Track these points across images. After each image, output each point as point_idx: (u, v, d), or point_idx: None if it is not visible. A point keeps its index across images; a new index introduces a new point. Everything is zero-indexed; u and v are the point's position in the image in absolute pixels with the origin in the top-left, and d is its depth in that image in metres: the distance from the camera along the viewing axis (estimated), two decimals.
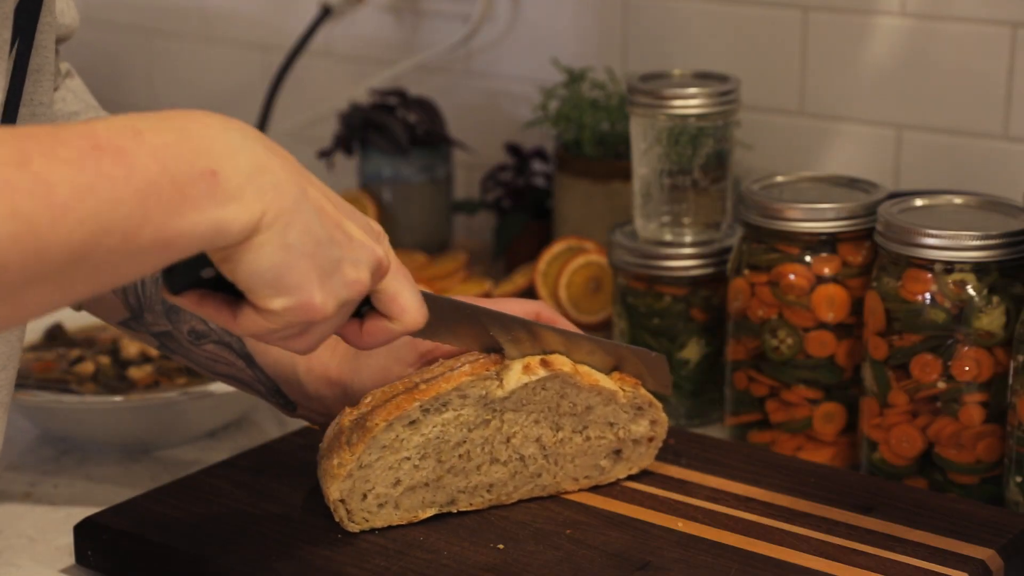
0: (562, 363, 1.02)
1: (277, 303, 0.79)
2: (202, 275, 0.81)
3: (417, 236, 1.63)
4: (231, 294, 0.81)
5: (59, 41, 1.03)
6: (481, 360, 1.00)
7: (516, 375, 1.01)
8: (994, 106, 1.35)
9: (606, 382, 1.05)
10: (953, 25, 1.36)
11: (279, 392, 1.07)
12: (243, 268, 0.77)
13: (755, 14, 1.46)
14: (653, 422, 1.08)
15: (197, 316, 1.03)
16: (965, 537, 1.00)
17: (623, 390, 1.06)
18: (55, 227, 0.68)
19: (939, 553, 0.98)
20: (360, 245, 0.83)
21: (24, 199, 0.67)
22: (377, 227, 0.87)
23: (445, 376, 0.99)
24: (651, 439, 1.09)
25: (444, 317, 0.97)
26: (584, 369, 1.04)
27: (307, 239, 0.78)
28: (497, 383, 1.01)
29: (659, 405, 1.08)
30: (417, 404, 0.98)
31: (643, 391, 1.07)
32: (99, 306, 1.06)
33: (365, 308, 0.88)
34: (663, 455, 1.10)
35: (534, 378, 1.01)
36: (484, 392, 1.00)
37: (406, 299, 0.88)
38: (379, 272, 0.84)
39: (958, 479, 1.12)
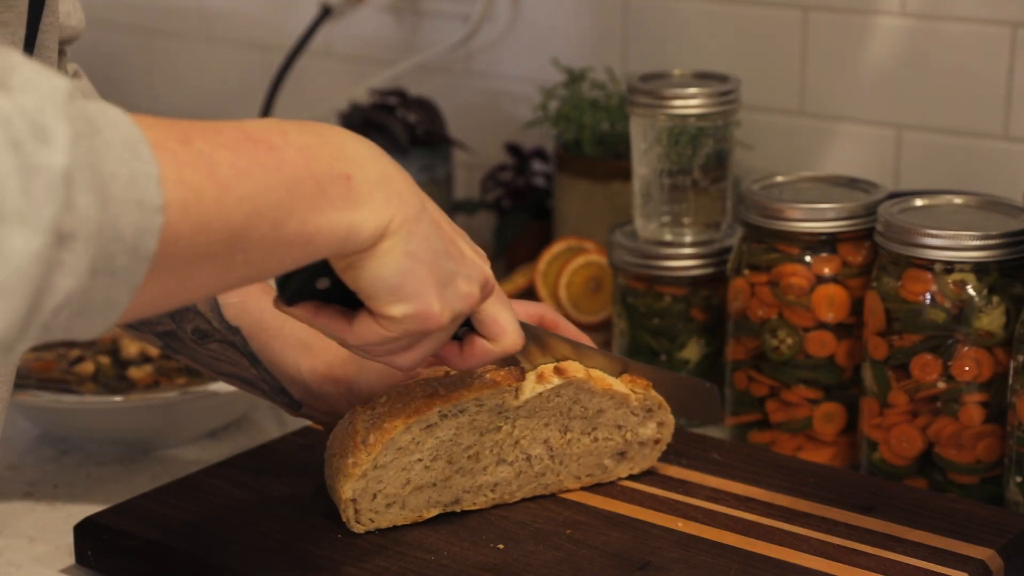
0: (575, 369, 1.03)
1: (398, 309, 0.82)
2: (317, 286, 0.84)
3: None
4: (344, 305, 0.85)
5: (65, 43, 1.03)
6: (502, 373, 1.01)
7: (531, 385, 1.02)
8: (994, 106, 1.35)
9: (618, 386, 1.05)
10: (953, 25, 1.36)
11: (283, 391, 1.07)
12: (367, 274, 0.81)
13: (755, 14, 1.46)
14: (660, 424, 1.08)
15: (201, 315, 1.04)
16: (965, 537, 1.00)
17: (634, 392, 1.06)
18: (219, 202, 0.71)
19: (939, 553, 0.98)
20: (471, 262, 0.87)
21: (191, 171, 0.70)
22: (482, 251, 0.90)
23: (467, 384, 1.00)
24: (657, 441, 1.09)
25: None
26: (596, 373, 1.04)
27: (427, 249, 0.82)
28: (513, 393, 1.01)
29: (668, 407, 1.08)
30: (437, 410, 0.99)
31: (653, 392, 1.07)
32: None
33: (462, 329, 0.92)
34: (663, 455, 1.10)
35: (548, 387, 1.02)
36: (501, 401, 1.01)
37: (506, 321, 0.92)
38: (487, 289, 0.89)
39: (958, 479, 1.12)
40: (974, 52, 1.35)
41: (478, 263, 0.88)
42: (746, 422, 1.22)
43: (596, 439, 1.07)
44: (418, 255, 0.82)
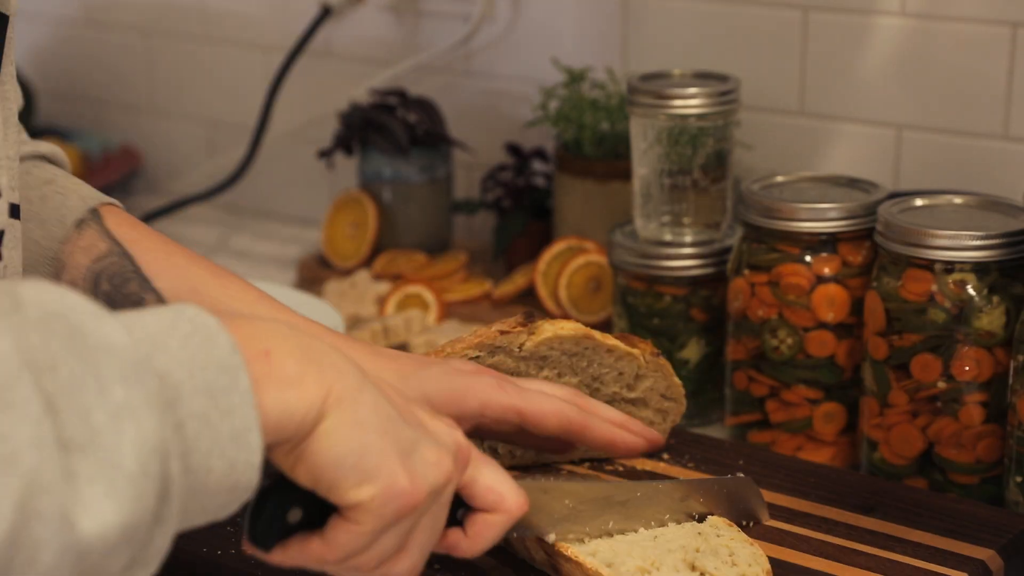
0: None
1: (363, 492, 0.73)
2: (288, 520, 0.76)
3: (417, 236, 1.63)
4: (316, 528, 0.76)
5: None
6: None
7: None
8: (994, 106, 1.35)
9: None
10: (953, 25, 1.36)
11: None
12: (318, 460, 0.72)
13: (755, 14, 1.46)
14: None
15: None
16: (965, 537, 1.00)
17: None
18: None
19: (939, 553, 0.98)
20: (436, 427, 0.78)
21: None
22: (449, 419, 0.82)
23: None
24: None
25: None
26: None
27: (378, 416, 0.74)
28: None
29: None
30: None
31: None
32: None
33: (460, 512, 0.83)
34: (663, 456, 1.10)
35: None
36: None
37: (499, 483, 0.82)
38: (462, 456, 0.79)
39: (958, 479, 1.12)
40: (974, 52, 1.35)
41: (444, 428, 0.79)
42: (746, 422, 1.22)
43: None
44: (369, 424, 0.73)
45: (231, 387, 0.67)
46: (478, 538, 0.82)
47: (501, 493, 0.82)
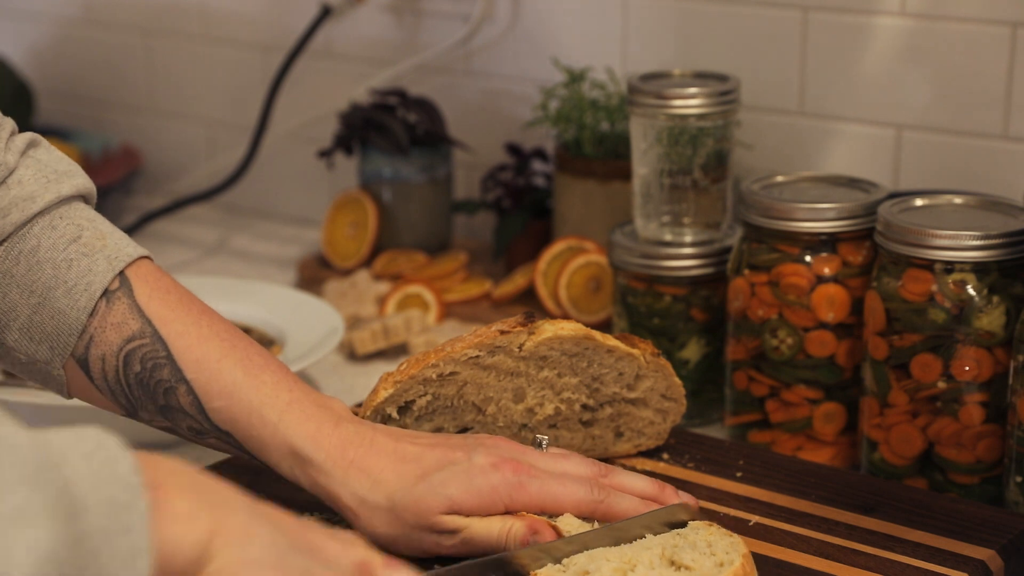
0: None
1: None
2: None
3: (417, 236, 1.63)
4: None
5: None
6: None
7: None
8: (994, 106, 1.35)
9: None
10: (953, 25, 1.36)
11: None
12: None
13: (755, 14, 1.46)
14: None
15: (192, 416, 1.00)
16: (965, 537, 1.00)
17: None
18: None
19: (939, 553, 0.98)
20: (331, 549, 0.76)
21: None
22: (348, 534, 0.80)
23: None
24: None
25: None
26: None
27: (271, 552, 0.71)
28: None
29: None
30: None
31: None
32: (96, 402, 1.04)
33: None
34: (663, 456, 1.10)
35: None
36: None
37: None
38: (365, 570, 0.77)
39: (958, 479, 1.12)
40: (974, 52, 1.35)
41: (338, 548, 0.76)
42: (746, 422, 1.22)
43: None
44: (263, 561, 0.70)
45: (131, 505, 0.65)
46: None
47: None
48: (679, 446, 1.13)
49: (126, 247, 1.01)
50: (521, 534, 0.95)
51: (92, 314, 0.99)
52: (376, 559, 0.77)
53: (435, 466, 0.98)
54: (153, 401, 1.01)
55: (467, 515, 0.96)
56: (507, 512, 0.97)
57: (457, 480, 0.96)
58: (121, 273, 1.00)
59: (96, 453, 0.67)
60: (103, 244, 1.01)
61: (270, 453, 1.00)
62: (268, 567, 0.71)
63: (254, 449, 1.01)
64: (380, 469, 0.97)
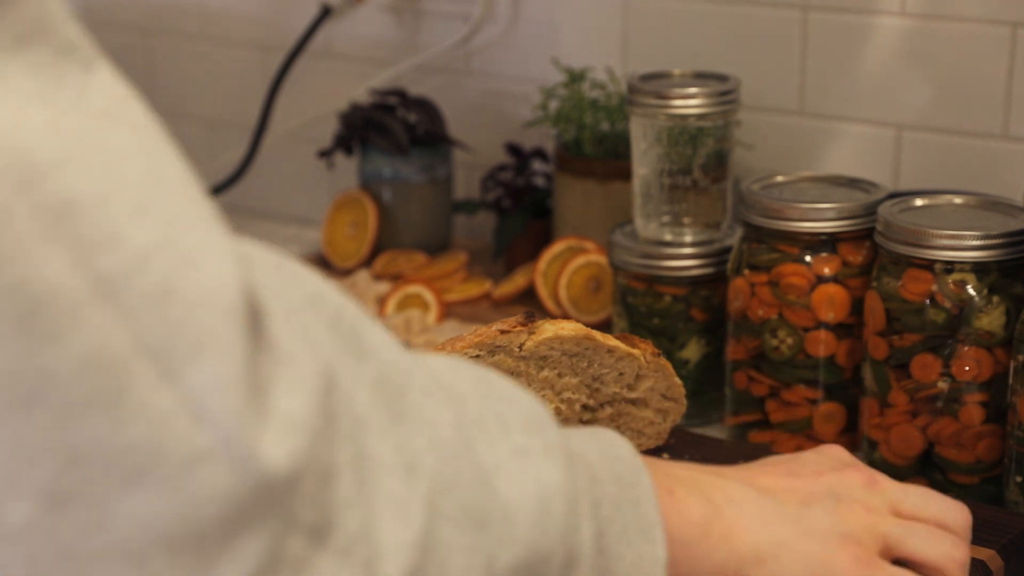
0: None
1: None
2: None
3: (417, 236, 1.63)
4: None
5: None
6: None
7: None
8: (994, 106, 1.35)
9: None
10: (953, 25, 1.36)
11: None
12: None
13: (755, 14, 1.46)
14: None
15: None
16: None
17: None
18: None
19: None
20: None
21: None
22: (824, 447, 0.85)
23: None
24: None
25: None
26: None
27: (773, 499, 0.78)
28: None
29: None
30: None
31: None
32: None
33: None
34: (663, 456, 1.10)
35: None
36: None
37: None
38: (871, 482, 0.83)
39: (958, 479, 1.12)
40: (974, 52, 1.35)
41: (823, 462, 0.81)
42: (746, 422, 1.22)
43: None
44: (771, 503, 0.76)
45: (635, 483, 0.68)
46: None
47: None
48: (679, 446, 1.13)
49: None
50: None
51: None
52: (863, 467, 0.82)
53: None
54: None
55: None
56: None
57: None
58: None
59: (599, 436, 0.70)
60: None
61: None
62: (784, 501, 0.75)
63: None
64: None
